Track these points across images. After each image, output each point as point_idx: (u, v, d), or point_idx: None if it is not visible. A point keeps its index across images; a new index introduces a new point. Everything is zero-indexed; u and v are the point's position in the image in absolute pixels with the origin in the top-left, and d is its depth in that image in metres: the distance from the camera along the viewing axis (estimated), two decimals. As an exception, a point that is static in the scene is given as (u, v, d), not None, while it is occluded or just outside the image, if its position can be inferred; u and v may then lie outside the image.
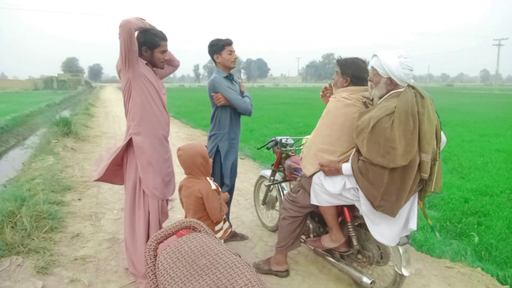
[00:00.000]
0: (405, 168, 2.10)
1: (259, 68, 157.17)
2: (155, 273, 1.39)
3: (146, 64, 2.53)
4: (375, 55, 2.26)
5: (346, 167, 2.31)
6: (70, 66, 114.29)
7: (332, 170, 2.38)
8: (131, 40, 2.30)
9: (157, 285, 1.39)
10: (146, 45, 2.50)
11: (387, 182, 2.12)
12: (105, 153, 7.51)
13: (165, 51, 2.59)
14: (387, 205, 2.16)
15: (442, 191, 4.98)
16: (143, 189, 2.54)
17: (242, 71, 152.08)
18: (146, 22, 2.49)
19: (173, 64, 2.89)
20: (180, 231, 1.57)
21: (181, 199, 2.47)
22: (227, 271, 1.29)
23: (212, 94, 3.14)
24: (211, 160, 2.47)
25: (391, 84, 2.22)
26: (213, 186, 2.35)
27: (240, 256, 1.39)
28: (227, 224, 2.53)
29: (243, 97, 3.21)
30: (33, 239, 3.29)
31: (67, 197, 4.68)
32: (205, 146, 2.46)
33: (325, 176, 2.44)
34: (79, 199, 4.66)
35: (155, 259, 1.45)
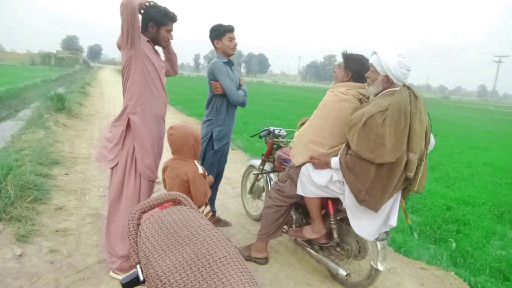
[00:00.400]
0: (392, 165, 2.15)
1: (260, 63, 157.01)
2: (136, 240, 1.41)
3: (148, 41, 2.48)
4: (375, 52, 2.30)
5: (335, 161, 2.36)
6: (70, 44, 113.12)
7: (321, 163, 2.42)
8: (134, 19, 2.26)
9: (137, 252, 1.41)
10: (154, 21, 2.45)
11: (373, 177, 2.17)
12: (102, 135, 7.48)
13: (171, 31, 2.55)
14: (371, 200, 2.21)
15: (426, 197, 5.07)
16: (138, 168, 2.50)
17: (243, 64, 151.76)
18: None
19: (174, 68, 2.87)
20: (165, 204, 1.59)
21: (164, 180, 2.44)
22: (208, 242, 1.31)
23: (212, 82, 3.17)
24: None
25: (388, 82, 2.26)
26: (200, 170, 2.35)
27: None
28: (208, 208, 2.54)
29: (239, 89, 3.23)
30: (16, 208, 3.28)
31: (55, 171, 4.66)
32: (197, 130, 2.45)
33: (313, 167, 2.49)
34: (66, 174, 4.65)
35: (138, 228, 1.47)
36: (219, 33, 3.14)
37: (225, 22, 3.22)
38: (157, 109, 2.56)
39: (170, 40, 2.63)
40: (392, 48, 2.25)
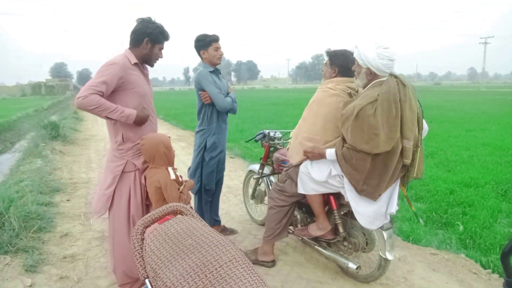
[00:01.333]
0: (387, 154, 2.17)
1: (250, 70, 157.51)
2: (142, 255, 1.42)
3: (135, 64, 2.35)
4: (356, 46, 2.33)
5: (330, 152, 2.37)
6: (59, 71, 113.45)
7: (315, 155, 2.44)
8: (98, 109, 2.14)
9: (145, 266, 1.42)
10: (150, 38, 2.33)
11: (369, 167, 2.19)
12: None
13: (162, 49, 2.47)
14: (369, 189, 2.23)
15: (429, 183, 5.08)
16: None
17: (232, 73, 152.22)
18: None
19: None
20: (167, 216, 1.60)
21: (146, 190, 2.42)
22: (212, 249, 1.32)
23: (200, 92, 3.19)
24: (174, 151, 2.43)
25: (371, 74, 2.28)
26: (172, 175, 2.30)
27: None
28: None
29: (227, 96, 3.25)
30: (21, 239, 3.28)
31: (56, 198, 4.66)
32: (168, 137, 2.42)
33: (311, 164, 2.50)
34: (68, 200, 4.65)
35: (142, 242, 1.47)
36: (205, 43, 3.16)
37: (211, 32, 3.24)
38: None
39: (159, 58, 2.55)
40: (371, 40, 2.28)
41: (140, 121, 2.31)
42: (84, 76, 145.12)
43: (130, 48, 2.38)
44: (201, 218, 1.63)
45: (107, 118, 2.23)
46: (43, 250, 3.21)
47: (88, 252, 3.24)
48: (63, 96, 43.17)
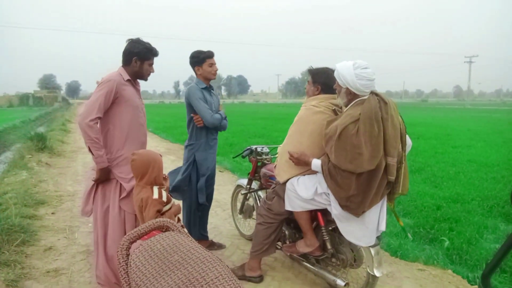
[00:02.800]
0: (371, 172, 2.19)
1: (240, 84, 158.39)
2: (127, 271, 1.39)
3: (128, 80, 2.55)
4: (336, 66, 2.37)
5: (316, 164, 2.39)
6: (47, 82, 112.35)
7: (300, 162, 2.45)
8: (97, 141, 2.40)
9: (129, 283, 1.39)
10: (138, 56, 2.55)
11: (354, 186, 2.21)
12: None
13: (152, 64, 2.67)
14: (353, 206, 2.25)
15: (416, 199, 5.12)
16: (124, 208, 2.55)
17: (223, 87, 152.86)
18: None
19: None
20: (153, 232, 1.58)
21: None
22: (199, 265, 1.30)
23: (193, 115, 3.19)
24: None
25: (350, 94, 2.32)
26: (156, 195, 2.22)
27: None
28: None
29: (216, 113, 3.25)
30: (3, 253, 3.19)
31: (41, 211, 4.57)
32: (160, 155, 2.37)
33: (298, 181, 2.51)
34: (52, 213, 4.56)
35: (127, 258, 1.45)
36: (199, 59, 3.18)
37: (204, 48, 3.26)
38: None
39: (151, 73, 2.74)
40: (350, 61, 2.30)
41: (101, 175, 2.46)
42: (73, 88, 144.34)
43: (123, 66, 2.60)
44: (188, 234, 1.62)
45: (89, 148, 2.42)
46: (26, 264, 3.13)
47: (72, 267, 3.17)
48: (51, 107, 42.70)
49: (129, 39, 2.60)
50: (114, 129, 2.52)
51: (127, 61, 2.57)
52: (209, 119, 3.12)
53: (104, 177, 2.48)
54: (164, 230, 1.64)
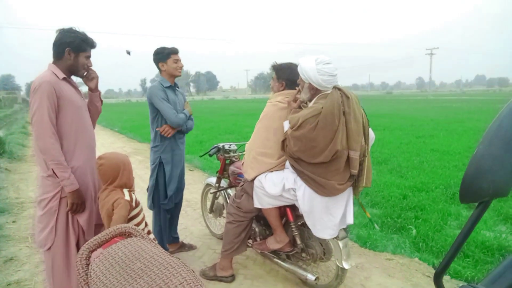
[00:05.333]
0: (329, 163, 2.24)
1: (209, 80, 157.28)
2: (88, 282, 1.33)
3: (64, 79, 2.20)
4: (299, 62, 2.37)
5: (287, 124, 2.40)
6: (6, 83, 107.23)
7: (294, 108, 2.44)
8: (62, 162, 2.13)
9: (90, 294, 1.33)
10: (71, 47, 2.18)
11: (310, 171, 2.28)
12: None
13: (89, 57, 2.31)
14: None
15: (383, 190, 5.25)
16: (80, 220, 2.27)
17: (191, 84, 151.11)
18: None
19: (98, 108, 2.55)
20: (115, 239, 1.52)
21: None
22: (162, 272, 1.27)
23: (157, 129, 3.09)
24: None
25: (313, 89, 2.33)
26: (127, 197, 2.17)
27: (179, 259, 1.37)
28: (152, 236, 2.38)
29: (181, 113, 3.15)
30: (-42, 267, 3.02)
31: (1, 220, 4.35)
32: (126, 156, 2.28)
33: (265, 178, 2.50)
34: (13, 222, 4.35)
35: (87, 268, 1.39)
36: (163, 55, 3.07)
37: (169, 45, 3.15)
38: (92, 156, 2.38)
39: (95, 75, 2.40)
40: (312, 56, 2.31)
41: (74, 199, 2.16)
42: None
43: (54, 62, 2.23)
44: (151, 239, 1.57)
45: (53, 171, 2.15)
46: (-16, 278, 2.97)
47: (35, 277, 3.03)
48: (11, 109, 40.74)
49: (59, 29, 2.22)
50: (61, 139, 2.17)
51: (59, 53, 2.19)
52: (173, 119, 3.02)
53: (78, 201, 2.17)
54: (126, 236, 1.58)
